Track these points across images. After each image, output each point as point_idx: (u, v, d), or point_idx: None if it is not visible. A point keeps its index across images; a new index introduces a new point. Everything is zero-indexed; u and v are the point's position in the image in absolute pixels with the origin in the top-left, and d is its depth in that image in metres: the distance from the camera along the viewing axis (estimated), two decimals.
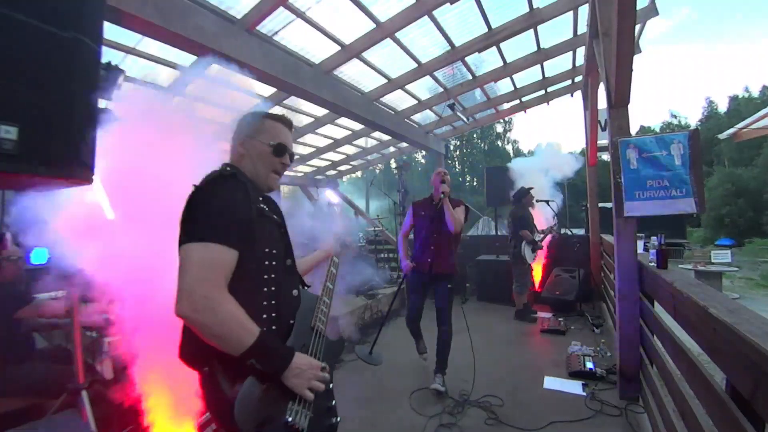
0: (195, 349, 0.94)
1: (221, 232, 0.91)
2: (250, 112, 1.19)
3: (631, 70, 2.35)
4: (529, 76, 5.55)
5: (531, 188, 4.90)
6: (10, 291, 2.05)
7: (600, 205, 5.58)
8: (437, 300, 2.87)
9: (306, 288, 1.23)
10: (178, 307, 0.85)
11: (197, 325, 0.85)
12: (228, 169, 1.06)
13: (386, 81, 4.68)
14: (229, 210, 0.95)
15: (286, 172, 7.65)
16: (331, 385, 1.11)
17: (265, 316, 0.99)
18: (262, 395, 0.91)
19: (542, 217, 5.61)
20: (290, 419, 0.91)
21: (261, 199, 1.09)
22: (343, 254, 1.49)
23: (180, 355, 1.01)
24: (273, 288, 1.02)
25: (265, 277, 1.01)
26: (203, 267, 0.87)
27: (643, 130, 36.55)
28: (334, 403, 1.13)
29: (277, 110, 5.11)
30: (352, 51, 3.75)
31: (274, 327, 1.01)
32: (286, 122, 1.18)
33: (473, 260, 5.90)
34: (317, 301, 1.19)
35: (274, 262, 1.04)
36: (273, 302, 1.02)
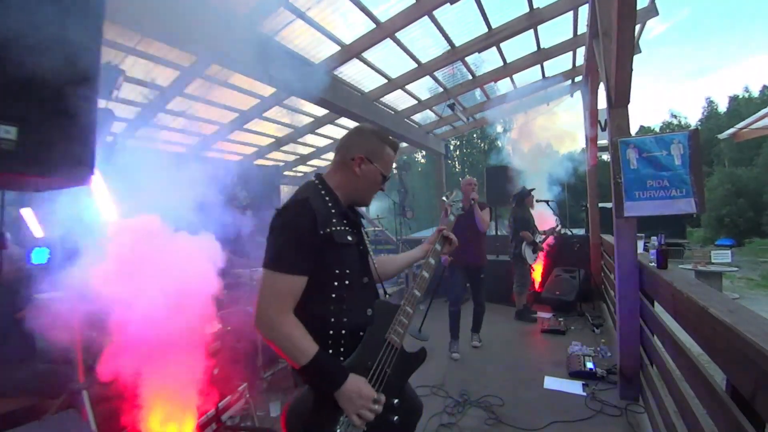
0: None
1: (286, 264, 0.98)
2: (375, 131, 1.20)
3: (631, 70, 2.35)
4: (529, 76, 5.55)
5: (532, 189, 4.90)
6: (11, 291, 2.04)
7: (600, 205, 5.58)
8: (473, 288, 3.71)
9: (387, 296, 1.23)
10: (254, 320, 0.98)
11: (264, 338, 0.98)
12: (317, 183, 1.13)
13: (386, 81, 4.67)
14: (296, 241, 1.00)
15: (286, 173, 7.57)
16: (395, 401, 1.08)
17: (332, 331, 1.04)
18: (314, 405, 0.98)
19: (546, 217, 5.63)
20: (339, 430, 0.97)
21: (335, 220, 1.07)
22: (444, 253, 1.35)
23: None
24: (344, 306, 1.05)
25: (334, 295, 1.05)
26: (270, 293, 0.97)
27: (643, 130, 36.53)
28: (398, 417, 1.09)
29: (276, 110, 5.11)
30: (352, 51, 3.75)
31: (342, 341, 1.05)
32: (396, 150, 1.23)
33: None
34: (397, 310, 1.14)
35: (346, 281, 1.07)
36: (344, 319, 1.05)
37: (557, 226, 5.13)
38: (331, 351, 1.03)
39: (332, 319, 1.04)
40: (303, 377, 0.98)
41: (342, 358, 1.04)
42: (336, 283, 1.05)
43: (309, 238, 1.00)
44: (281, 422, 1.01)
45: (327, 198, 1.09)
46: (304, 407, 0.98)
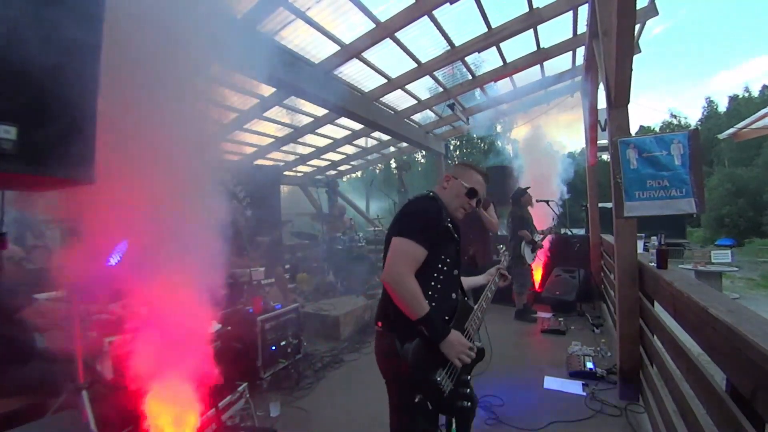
0: (379, 308, 1.43)
1: (417, 234, 1.30)
2: (467, 162, 1.61)
3: (631, 70, 2.35)
4: (529, 75, 5.55)
5: (528, 188, 4.90)
6: (11, 291, 2.04)
7: (600, 205, 5.57)
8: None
9: (465, 298, 1.54)
10: (383, 275, 1.30)
11: (391, 289, 1.28)
12: (431, 194, 1.49)
13: (386, 81, 4.68)
14: (426, 220, 1.35)
15: (286, 173, 7.58)
16: (469, 377, 1.42)
17: (427, 301, 1.30)
18: (425, 351, 1.27)
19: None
20: (438, 378, 1.27)
21: (448, 220, 1.41)
22: (500, 285, 1.74)
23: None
24: (439, 286, 1.36)
25: (435, 275, 1.36)
26: (401, 253, 1.29)
27: (643, 130, 36.47)
28: (469, 390, 1.41)
29: (276, 110, 5.11)
30: (352, 51, 3.75)
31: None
32: (484, 175, 1.55)
33: None
34: (473, 311, 1.49)
35: (445, 268, 1.38)
36: (436, 296, 1.35)
37: (554, 224, 5.13)
38: None
39: (429, 293, 1.32)
40: (418, 326, 1.25)
41: None
42: (439, 266, 1.36)
43: (435, 224, 1.35)
44: (389, 364, 1.34)
45: (440, 205, 1.43)
46: (421, 354, 1.26)
